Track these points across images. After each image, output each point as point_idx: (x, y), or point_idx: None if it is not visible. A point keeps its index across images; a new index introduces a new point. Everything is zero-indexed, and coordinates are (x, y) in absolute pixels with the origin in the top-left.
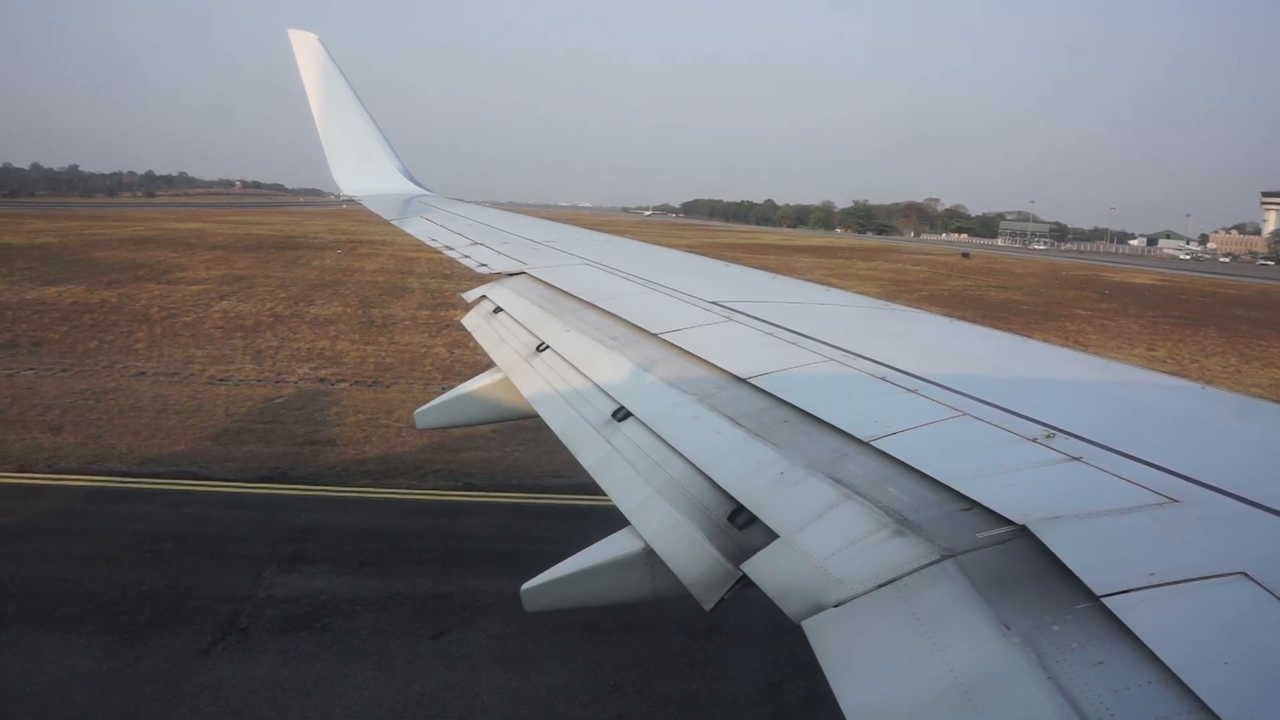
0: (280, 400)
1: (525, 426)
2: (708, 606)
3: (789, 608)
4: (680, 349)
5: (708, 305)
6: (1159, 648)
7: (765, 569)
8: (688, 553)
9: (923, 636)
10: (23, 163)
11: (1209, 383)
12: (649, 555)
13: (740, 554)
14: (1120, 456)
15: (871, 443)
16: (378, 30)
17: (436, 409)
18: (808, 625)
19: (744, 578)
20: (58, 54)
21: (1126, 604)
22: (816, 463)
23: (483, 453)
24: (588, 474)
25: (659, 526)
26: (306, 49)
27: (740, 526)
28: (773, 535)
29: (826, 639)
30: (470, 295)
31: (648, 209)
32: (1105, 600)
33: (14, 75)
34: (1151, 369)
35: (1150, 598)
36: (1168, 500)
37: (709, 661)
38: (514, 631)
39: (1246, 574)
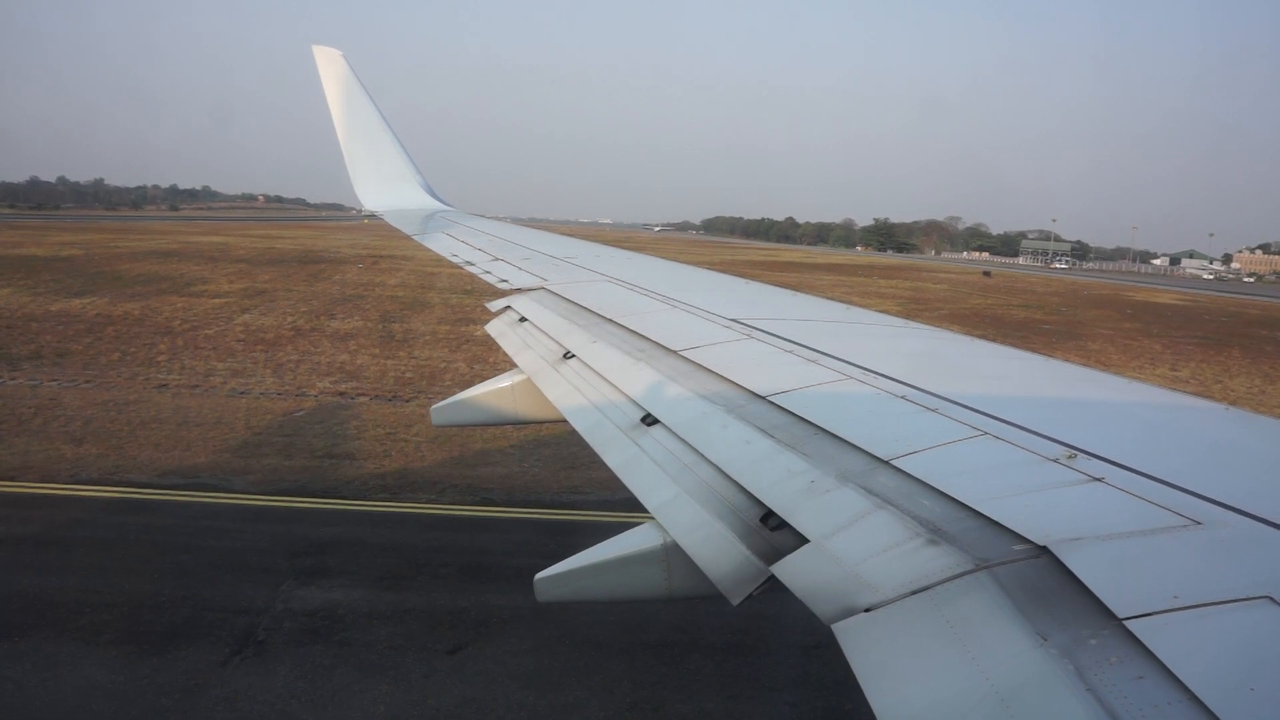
0: (300, 414)
1: (544, 442)
2: (735, 601)
3: (819, 609)
4: (700, 365)
5: (727, 322)
6: (1183, 672)
7: (795, 571)
8: (717, 550)
9: (957, 644)
10: (50, 176)
11: (1233, 404)
12: (666, 552)
13: (771, 554)
14: (1142, 478)
15: (892, 461)
16: (401, 47)
17: (452, 406)
18: (839, 628)
19: (771, 579)
20: (85, 71)
21: (1149, 627)
22: (848, 474)
23: (501, 468)
24: (607, 491)
25: (687, 524)
26: (330, 65)
27: (771, 529)
28: (802, 540)
29: (858, 642)
30: (494, 305)
31: (657, 225)
32: (1127, 623)
33: (42, 91)
34: (1174, 389)
35: (1173, 621)
36: (1191, 522)
37: (726, 680)
38: (531, 647)
39: (1272, 598)
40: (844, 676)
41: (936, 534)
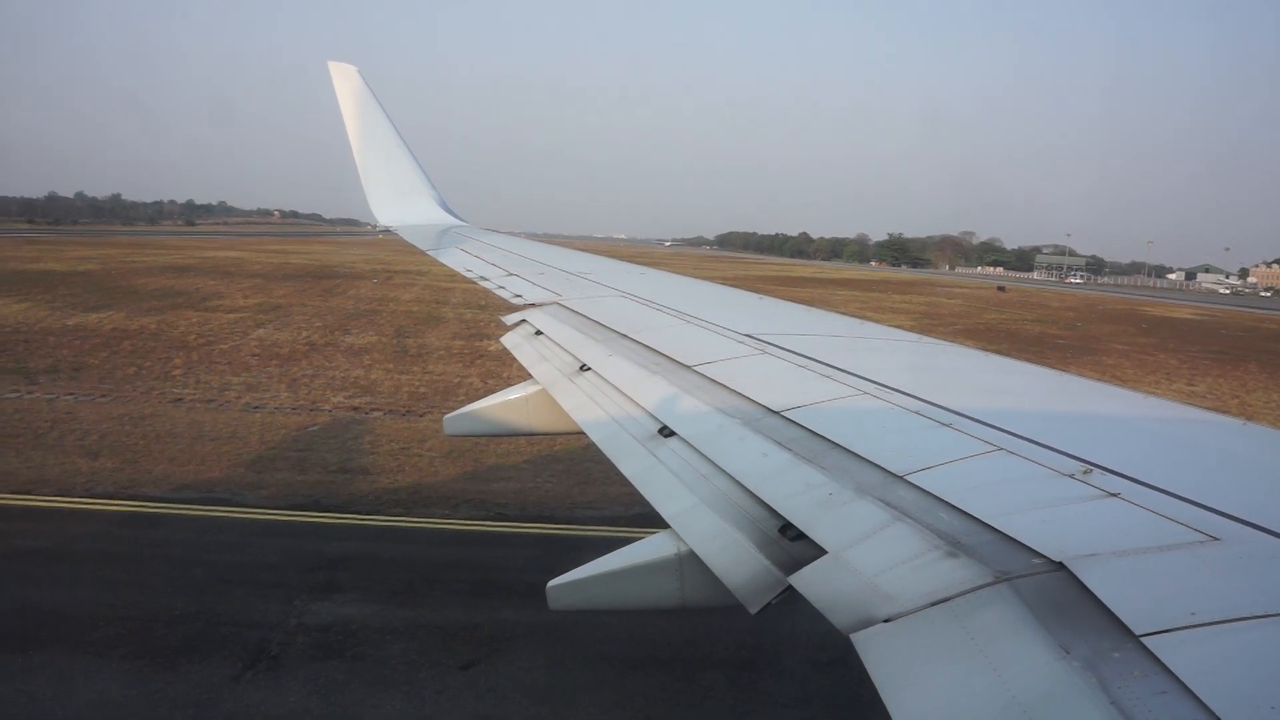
0: (314, 428)
1: (557, 458)
2: (753, 610)
3: (838, 620)
4: (715, 381)
5: (741, 338)
6: (1201, 689)
7: (813, 581)
8: (734, 559)
9: (978, 655)
10: (68, 191)
11: (1250, 419)
12: (680, 562)
13: (789, 564)
14: (1160, 493)
15: (907, 477)
16: (416, 63)
17: (465, 417)
18: (858, 638)
19: (788, 589)
20: (102, 87)
21: (1166, 644)
22: (865, 488)
23: (514, 483)
24: (620, 507)
25: (704, 533)
26: (346, 81)
27: (790, 540)
28: (820, 552)
29: (878, 652)
30: (510, 319)
31: (668, 241)
32: (1144, 639)
33: (61, 106)
34: (1191, 404)
35: (1191, 638)
36: (1208, 538)
37: (739, 696)
38: (544, 663)
39: None
40: (856, 692)
41: (956, 546)
